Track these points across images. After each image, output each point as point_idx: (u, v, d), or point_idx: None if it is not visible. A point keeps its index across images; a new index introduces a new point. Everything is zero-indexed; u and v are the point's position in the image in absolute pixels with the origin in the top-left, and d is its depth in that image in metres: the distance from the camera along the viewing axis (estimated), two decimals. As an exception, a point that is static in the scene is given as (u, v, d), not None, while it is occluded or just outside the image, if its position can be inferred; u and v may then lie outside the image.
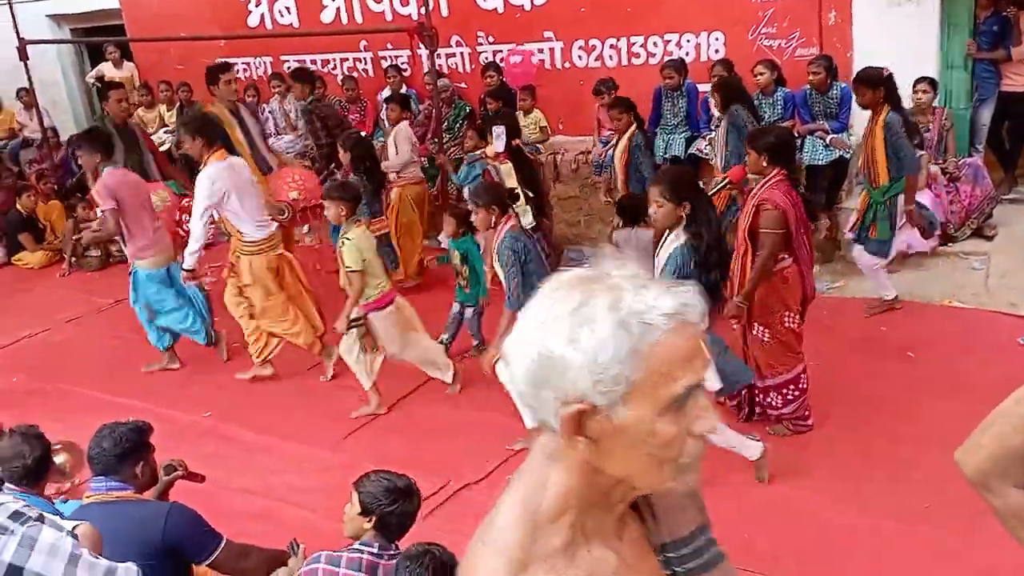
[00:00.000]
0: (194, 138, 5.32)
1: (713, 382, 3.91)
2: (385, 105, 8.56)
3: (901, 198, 5.45)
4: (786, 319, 4.42)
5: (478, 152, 6.97)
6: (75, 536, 2.07)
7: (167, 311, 5.80)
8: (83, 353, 6.53)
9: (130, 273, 5.84)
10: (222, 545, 2.84)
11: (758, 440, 4.14)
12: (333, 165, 7.16)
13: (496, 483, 4.45)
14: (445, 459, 4.68)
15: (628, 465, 1.12)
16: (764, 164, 4.33)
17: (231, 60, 9.35)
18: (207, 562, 2.82)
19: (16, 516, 1.99)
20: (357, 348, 5.12)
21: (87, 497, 2.85)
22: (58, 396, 5.83)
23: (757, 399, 4.61)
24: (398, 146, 7.04)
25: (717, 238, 3.99)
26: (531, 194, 5.98)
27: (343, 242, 4.97)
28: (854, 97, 5.68)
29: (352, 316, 4.99)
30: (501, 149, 5.55)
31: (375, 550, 2.62)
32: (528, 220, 5.46)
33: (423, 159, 7.67)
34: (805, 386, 4.53)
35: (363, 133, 6.98)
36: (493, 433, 4.84)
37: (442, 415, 5.16)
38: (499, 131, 5.59)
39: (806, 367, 4.55)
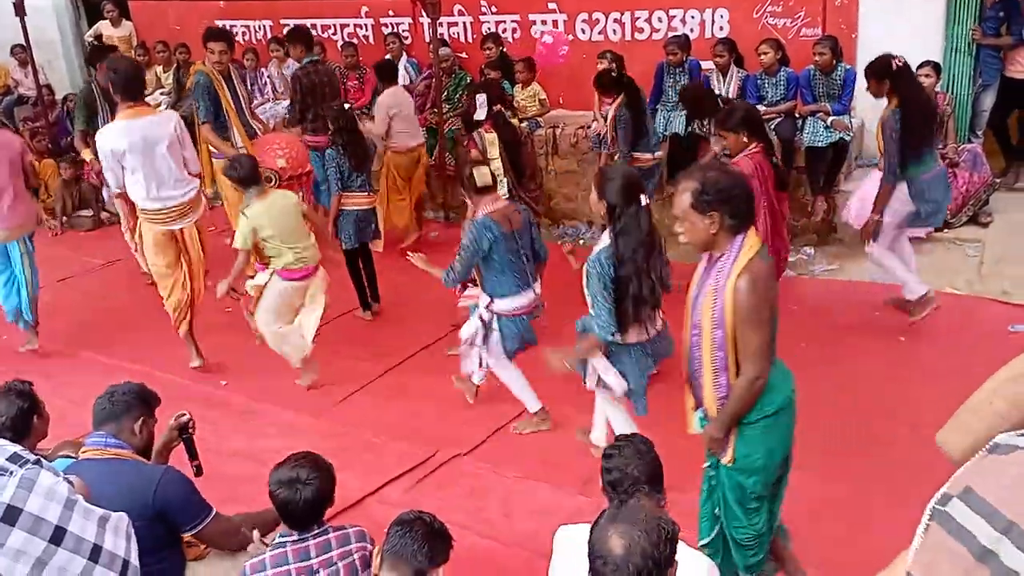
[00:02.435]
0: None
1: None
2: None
3: (902, 185, 5.14)
4: None
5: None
6: (70, 482, 2.07)
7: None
8: (73, 313, 6.51)
9: None
10: (211, 516, 2.83)
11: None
12: (305, 130, 7.02)
13: (485, 455, 4.47)
14: (435, 429, 4.70)
15: None
16: (744, 140, 4.46)
17: (232, 23, 9.27)
18: (193, 532, 2.81)
19: (15, 458, 1.99)
20: (275, 322, 5.07)
21: (83, 452, 2.84)
22: (47, 355, 5.82)
23: None
24: (376, 114, 7.02)
25: (634, 250, 3.60)
26: (510, 164, 5.96)
27: (241, 216, 4.88)
28: (859, 76, 5.62)
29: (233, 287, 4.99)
30: (483, 117, 5.46)
31: (296, 537, 2.60)
32: (503, 191, 5.37)
33: (423, 129, 7.61)
34: None
35: (347, 104, 6.79)
36: (483, 405, 4.86)
37: (433, 385, 5.17)
38: (481, 99, 5.53)
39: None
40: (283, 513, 2.61)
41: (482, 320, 4.35)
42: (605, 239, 3.67)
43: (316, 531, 2.61)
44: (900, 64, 5.01)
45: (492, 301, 4.33)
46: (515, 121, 6.99)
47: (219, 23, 9.62)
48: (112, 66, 5.10)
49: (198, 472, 3.19)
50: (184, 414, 3.25)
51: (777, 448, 2.99)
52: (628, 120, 6.24)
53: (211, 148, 6.52)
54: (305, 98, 6.98)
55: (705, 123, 6.89)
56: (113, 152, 4.99)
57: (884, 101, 5.13)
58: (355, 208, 5.88)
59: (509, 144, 5.44)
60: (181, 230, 5.25)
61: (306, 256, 4.99)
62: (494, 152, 5.37)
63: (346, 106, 6.29)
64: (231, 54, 6.40)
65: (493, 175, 4.40)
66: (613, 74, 6.48)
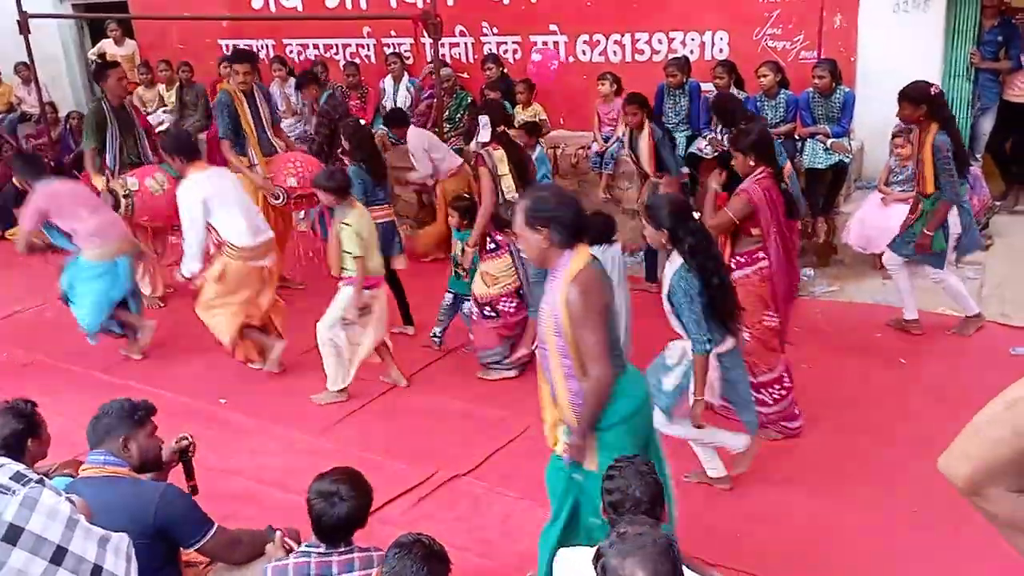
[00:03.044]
0: (173, 158, 5.34)
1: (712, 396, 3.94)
2: (388, 95, 8.61)
3: (954, 211, 5.31)
4: (765, 318, 4.46)
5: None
6: (72, 501, 2.06)
7: (84, 304, 5.72)
8: (75, 330, 6.49)
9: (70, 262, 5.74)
10: (213, 531, 2.83)
11: (743, 434, 4.15)
12: (340, 151, 7.13)
13: (484, 474, 4.45)
14: (434, 448, 4.68)
15: None
16: (751, 163, 4.44)
17: (235, 43, 9.34)
18: (196, 547, 2.81)
19: (18, 477, 1.99)
20: (343, 335, 5.17)
21: (83, 470, 2.84)
22: (48, 372, 5.82)
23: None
24: (416, 160, 7.23)
25: (710, 261, 3.75)
26: (519, 181, 5.91)
27: (341, 227, 4.97)
28: (858, 99, 5.66)
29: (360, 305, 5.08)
30: (487, 139, 5.44)
31: (323, 550, 2.62)
32: None
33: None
34: (790, 384, 4.56)
35: (362, 121, 6.96)
36: (483, 424, 4.85)
37: (433, 404, 5.16)
38: (483, 120, 5.49)
39: (788, 367, 4.56)
40: (315, 524, 2.63)
41: None
42: (676, 259, 3.75)
43: (343, 548, 2.64)
44: (937, 90, 5.13)
45: None
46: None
47: (222, 42, 9.72)
48: (163, 143, 5.54)
49: (193, 492, 3.20)
50: (185, 437, 3.25)
51: (635, 451, 3.08)
52: (664, 137, 6.28)
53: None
54: (332, 135, 7.24)
55: (705, 144, 6.94)
56: (205, 200, 5.24)
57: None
58: (377, 221, 5.88)
59: (517, 162, 5.47)
60: (265, 269, 5.53)
61: (379, 264, 5.21)
62: (504, 169, 5.38)
63: (362, 122, 6.38)
64: (255, 75, 6.60)
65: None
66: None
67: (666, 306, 3.84)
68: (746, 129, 4.87)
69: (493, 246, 5.36)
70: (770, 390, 4.53)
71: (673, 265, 3.77)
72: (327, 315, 5.16)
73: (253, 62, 6.59)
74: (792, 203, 4.58)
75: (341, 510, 2.58)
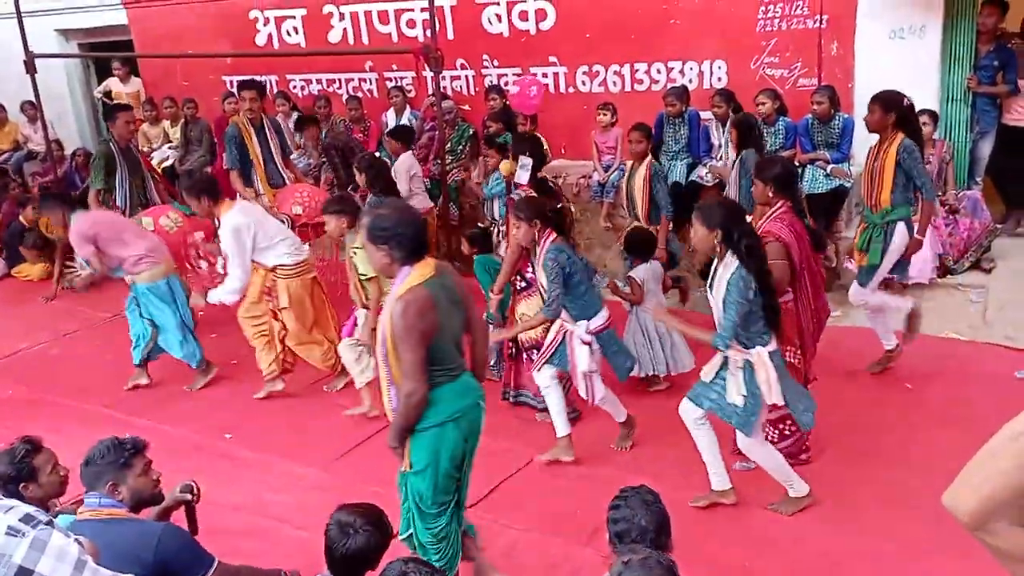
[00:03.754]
0: (199, 200, 5.36)
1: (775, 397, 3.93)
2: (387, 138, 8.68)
3: (900, 225, 5.14)
4: (787, 353, 4.39)
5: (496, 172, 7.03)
6: (80, 543, 2.06)
7: (169, 328, 5.82)
8: (80, 367, 6.52)
9: (131, 290, 5.87)
10: (214, 567, 2.82)
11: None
12: (351, 187, 7.22)
13: (490, 507, 4.43)
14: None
15: None
16: (770, 194, 4.36)
17: (239, 79, 9.46)
18: (199, 584, 2.80)
19: (28, 519, 1.99)
20: (361, 350, 5.22)
21: (80, 513, 2.84)
22: (54, 409, 5.82)
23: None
24: (399, 179, 7.08)
25: (757, 272, 3.81)
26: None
27: (353, 252, 5.00)
28: (856, 124, 5.67)
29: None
30: (525, 182, 5.28)
31: None
32: None
33: (426, 180, 7.71)
34: None
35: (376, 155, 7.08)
36: (488, 456, 4.81)
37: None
38: (526, 162, 5.32)
39: None
40: (327, 553, 2.62)
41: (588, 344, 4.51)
42: (731, 262, 3.79)
43: None
44: (909, 103, 5.13)
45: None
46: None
47: (226, 79, 9.83)
48: (187, 187, 5.56)
49: (193, 533, 3.19)
50: (189, 486, 3.26)
51: (445, 455, 3.32)
52: (660, 172, 6.03)
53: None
54: (344, 163, 7.51)
55: (706, 172, 6.97)
56: (254, 232, 5.31)
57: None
58: None
59: (553, 211, 5.33)
60: (315, 278, 5.68)
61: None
62: None
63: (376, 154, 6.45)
64: (261, 102, 6.70)
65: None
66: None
67: (716, 310, 3.91)
68: (773, 159, 4.87)
69: (524, 284, 5.24)
70: (780, 426, 4.49)
71: (729, 268, 3.79)
72: (350, 338, 5.25)
73: (260, 90, 6.72)
74: (816, 235, 4.59)
75: (355, 543, 2.57)
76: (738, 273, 3.76)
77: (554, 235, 4.49)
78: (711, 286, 3.97)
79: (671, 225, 5.99)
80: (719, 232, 3.78)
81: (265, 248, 5.39)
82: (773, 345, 3.92)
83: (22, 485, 3.02)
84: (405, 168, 7.18)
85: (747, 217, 3.88)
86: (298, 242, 5.65)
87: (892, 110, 5.04)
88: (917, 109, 6.31)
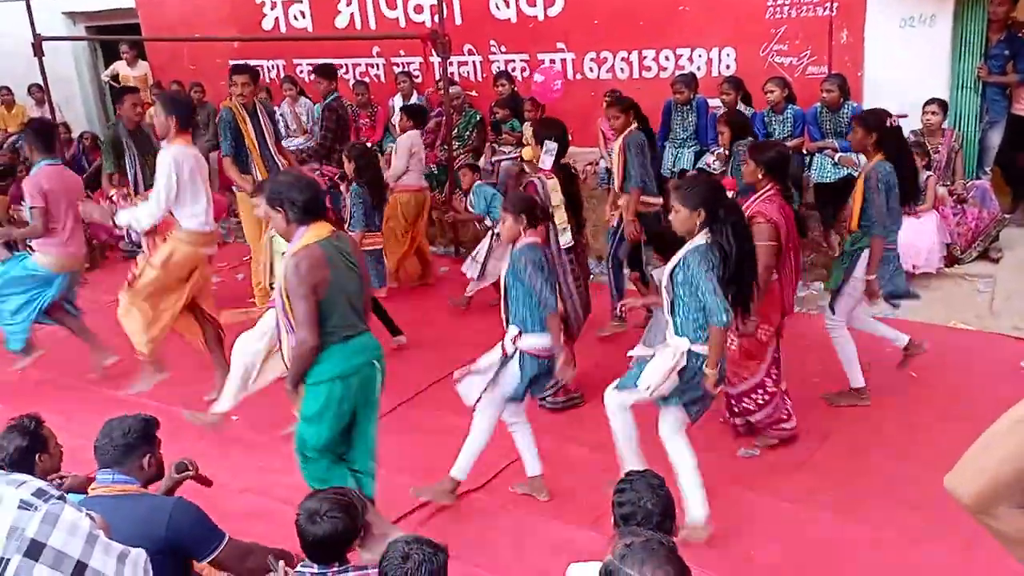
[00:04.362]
0: (167, 116, 5.16)
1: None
2: (398, 112, 8.62)
3: (864, 254, 4.75)
4: (759, 331, 4.44)
5: (510, 153, 7.03)
6: (92, 517, 2.08)
7: (8, 301, 5.80)
8: (84, 348, 6.54)
9: (17, 256, 5.94)
10: (225, 543, 2.84)
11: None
12: (338, 176, 7.18)
13: (495, 489, 4.45)
14: (444, 465, 4.66)
15: None
16: (760, 176, 4.43)
17: (245, 63, 9.43)
18: (209, 559, 2.82)
19: (40, 493, 2.00)
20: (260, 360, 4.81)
21: (92, 489, 2.86)
22: (62, 390, 5.85)
23: (736, 408, 4.65)
24: (397, 155, 7.10)
25: (739, 251, 3.65)
26: (572, 213, 5.40)
27: (274, 234, 4.87)
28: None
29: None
30: (548, 166, 5.13)
31: (316, 569, 2.62)
32: (567, 239, 5.13)
33: (431, 167, 7.70)
34: (773, 389, 4.55)
35: (369, 143, 6.99)
36: (492, 440, 4.84)
37: (442, 421, 5.16)
38: (551, 147, 5.14)
39: (770, 372, 4.53)
40: (301, 542, 2.63)
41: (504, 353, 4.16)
42: (698, 240, 3.65)
43: (337, 568, 2.62)
44: (894, 124, 4.81)
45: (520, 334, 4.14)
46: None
47: (232, 62, 9.80)
48: (163, 99, 5.47)
49: (208, 484, 3.39)
50: (184, 462, 3.29)
51: (332, 409, 3.65)
52: (636, 145, 5.74)
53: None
54: (338, 129, 7.30)
55: (713, 160, 6.96)
56: (176, 163, 5.13)
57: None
58: (371, 248, 5.89)
59: (571, 195, 5.26)
60: (206, 260, 5.50)
61: None
62: (556, 200, 5.05)
63: (368, 145, 6.41)
64: (254, 87, 6.59)
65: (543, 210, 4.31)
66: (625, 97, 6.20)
67: (664, 291, 3.74)
68: (767, 143, 4.86)
69: None
70: (753, 396, 4.54)
71: (692, 243, 3.66)
72: (254, 331, 4.80)
73: (252, 74, 6.58)
74: (801, 220, 4.57)
75: (322, 528, 2.57)
76: (699, 248, 3.62)
77: (534, 238, 4.17)
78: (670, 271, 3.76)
79: (639, 196, 5.83)
80: (702, 212, 3.63)
81: (183, 201, 5.21)
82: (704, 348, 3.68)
83: (37, 456, 3.06)
84: (407, 145, 7.09)
85: (729, 194, 3.77)
86: (211, 218, 5.46)
87: (873, 131, 4.73)
88: (927, 98, 6.34)
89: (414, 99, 8.70)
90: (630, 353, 4.03)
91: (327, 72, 7.75)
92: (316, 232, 3.54)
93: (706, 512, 3.79)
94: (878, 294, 4.84)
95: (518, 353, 4.11)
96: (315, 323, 3.48)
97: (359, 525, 2.67)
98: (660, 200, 5.79)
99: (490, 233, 6.47)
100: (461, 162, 7.95)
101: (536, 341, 4.09)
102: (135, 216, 5.34)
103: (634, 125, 5.81)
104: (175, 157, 5.15)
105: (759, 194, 4.43)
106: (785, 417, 4.61)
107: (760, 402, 4.55)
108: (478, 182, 6.98)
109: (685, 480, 3.80)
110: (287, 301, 3.50)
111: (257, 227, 6.38)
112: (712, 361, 3.66)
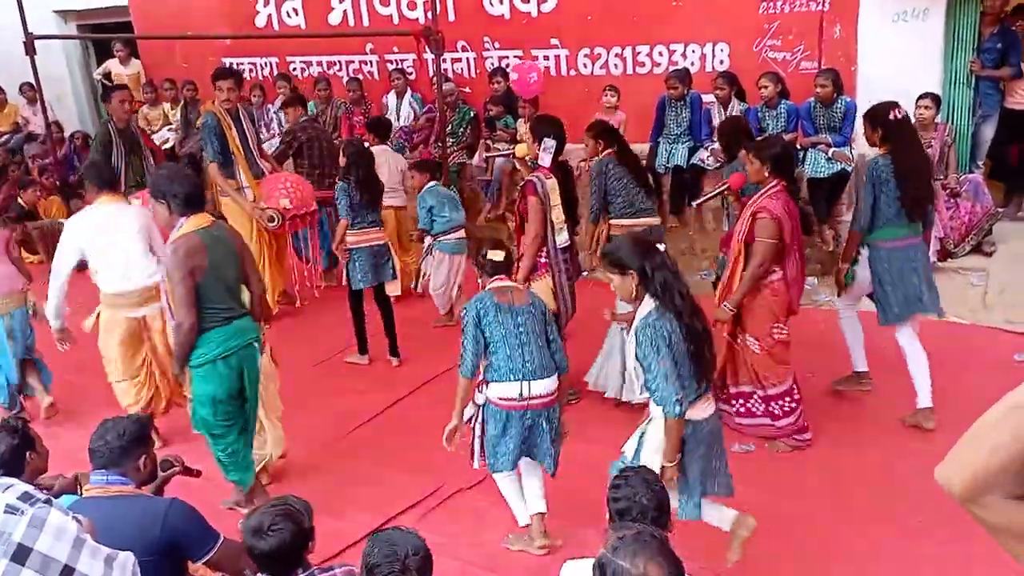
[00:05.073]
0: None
1: None
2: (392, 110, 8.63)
3: (864, 251, 4.76)
4: (775, 331, 4.45)
5: (504, 150, 6.94)
6: (79, 520, 2.07)
7: None
8: (79, 349, 6.51)
9: None
10: (220, 542, 2.83)
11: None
12: (334, 168, 7.12)
13: (489, 488, 4.44)
14: (441, 462, 4.66)
15: None
16: (766, 174, 4.39)
17: (239, 61, 9.41)
18: (204, 559, 2.81)
19: (26, 497, 1.99)
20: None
21: (86, 490, 2.85)
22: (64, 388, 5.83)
23: (759, 409, 4.63)
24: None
25: (681, 297, 3.20)
26: (567, 211, 5.27)
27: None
28: (859, 108, 5.58)
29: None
30: (547, 164, 5.03)
31: None
32: (564, 239, 5.08)
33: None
34: (799, 397, 4.55)
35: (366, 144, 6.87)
36: (490, 437, 4.84)
37: (436, 419, 5.13)
38: (549, 144, 4.97)
39: (796, 379, 4.57)
40: (255, 560, 2.56)
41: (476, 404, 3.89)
42: (646, 306, 3.24)
43: (304, 573, 2.59)
44: (899, 116, 4.60)
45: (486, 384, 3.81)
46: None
47: (226, 60, 9.79)
48: (83, 171, 5.28)
49: (197, 474, 3.46)
50: (169, 459, 3.31)
51: (220, 388, 3.95)
52: (602, 172, 5.25)
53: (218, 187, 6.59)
54: (301, 150, 7.23)
55: (707, 156, 6.95)
56: (84, 244, 4.76)
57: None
58: (367, 244, 5.85)
59: (566, 193, 5.21)
60: (144, 318, 4.90)
61: None
62: (556, 199, 4.97)
63: (365, 144, 6.35)
64: (239, 91, 6.50)
65: (509, 254, 3.96)
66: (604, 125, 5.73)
67: (630, 365, 3.41)
68: (771, 140, 4.80)
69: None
70: (780, 403, 4.53)
71: (640, 313, 3.25)
72: None
73: (237, 78, 6.47)
74: (806, 217, 4.53)
75: (270, 543, 2.50)
76: (645, 320, 3.18)
77: (492, 286, 3.83)
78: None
79: (595, 230, 5.41)
80: (635, 274, 3.23)
81: (99, 268, 4.87)
82: (706, 410, 3.31)
83: (27, 453, 3.06)
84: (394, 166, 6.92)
85: (660, 247, 3.37)
86: (136, 271, 4.85)
87: (878, 126, 4.61)
88: (920, 92, 6.33)
89: (408, 96, 8.69)
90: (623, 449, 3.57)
91: (296, 100, 7.79)
92: (195, 222, 3.87)
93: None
94: (842, 284, 4.85)
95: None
96: (191, 304, 3.80)
97: (308, 527, 2.59)
98: (642, 220, 5.38)
99: (426, 246, 6.44)
100: (455, 159, 7.96)
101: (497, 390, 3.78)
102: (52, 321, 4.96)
103: (606, 152, 5.31)
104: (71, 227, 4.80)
105: (764, 190, 4.41)
106: (806, 427, 4.61)
107: (787, 409, 4.54)
108: (430, 184, 6.50)
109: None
110: (167, 284, 3.86)
111: (247, 231, 6.19)
112: (667, 454, 3.24)
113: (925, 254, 4.85)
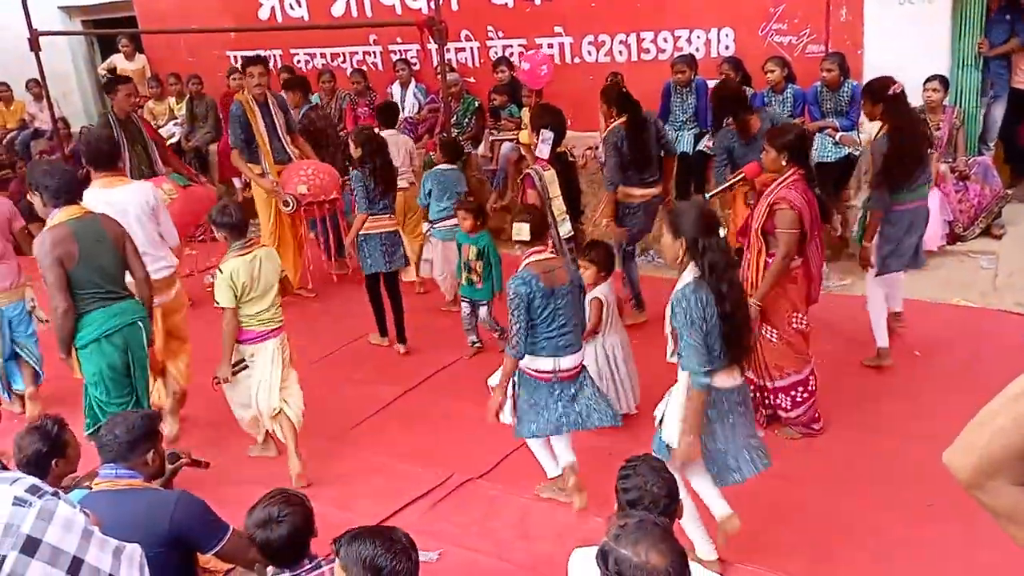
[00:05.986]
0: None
1: None
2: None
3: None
4: (794, 320, 4.41)
5: (507, 136, 6.94)
6: (86, 513, 2.08)
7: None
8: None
9: None
10: (229, 534, 2.85)
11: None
12: (346, 161, 7.14)
13: (500, 477, 4.46)
14: (450, 452, 4.70)
15: None
16: (783, 163, 4.33)
17: (243, 54, 9.39)
18: (214, 551, 2.83)
19: (34, 489, 2.01)
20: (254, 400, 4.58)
21: (96, 484, 2.87)
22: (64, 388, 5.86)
23: (767, 401, 4.59)
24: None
25: (727, 285, 3.28)
26: (568, 204, 5.35)
27: (216, 273, 4.46)
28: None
29: (234, 360, 4.46)
30: (545, 156, 5.02)
31: (288, 574, 2.61)
32: (567, 229, 5.09)
33: (430, 154, 7.65)
34: (814, 388, 4.52)
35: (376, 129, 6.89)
36: (497, 427, 4.84)
37: (447, 408, 5.17)
38: (547, 136, 5.02)
39: (814, 369, 4.54)
40: (266, 554, 2.60)
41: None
42: (687, 276, 3.32)
43: (308, 566, 2.61)
44: (897, 91, 4.76)
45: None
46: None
47: (230, 54, 9.79)
48: (84, 138, 5.19)
49: (205, 466, 3.51)
50: (175, 454, 3.33)
51: (107, 365, 4.15)
52: (618, 140, 5.47)
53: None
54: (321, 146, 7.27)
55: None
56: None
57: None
58: (380, 231, 5.87)
59: (568, 183, 5.08)
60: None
61: (266, 318, 4.60)
62: (555, 191, 4.95)
63: (376, 130, 6.35)
64: (268, 77, 6.67)
65: (535, 221, 3.98)
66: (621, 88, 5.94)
67: (667, 328, 3.43)
68: (786, 127, 4.77)
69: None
70: (794, 393, 4.49)
71: (682, 282, 3.33)
72: (234, 404, 4.71)
73: (265, 64, 6.71)
74: (824, 205, 4.51)
75: (282, 531, 2.55)
76: (684, 291, 3.26)
77: (531, 259, 3.91)
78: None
79: (612, 198, 5.63)
80: (684, 242, 3.30)
81: None
82: (728, 379, 3.38)
83: (54, 461, 3.05)
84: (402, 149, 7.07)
85: (720, 230, 3.36)
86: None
87: (878, 100, 4.80)
88: (928, 75, 6.27)
89: (412, 86, 8.67)
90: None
91: (296, 83, 7.73)
92: (67, 213, 4.07)
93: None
94: (866, 261, 5.08)
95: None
96: (63, 289, 4.00)
97: (311, 514, 2.65)
98: (648, 191, 5.67)
99: (425, 231, 6.56)
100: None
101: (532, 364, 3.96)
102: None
103: (618, 119, 5.48)
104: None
105: (782, 179, 4.33)
106: (818, 417, 4.58)
107: (798, 400, 4.50)
108: (437, 167, 6.58)
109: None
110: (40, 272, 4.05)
111: (266, 213, 6.66)
112: (687, 427, 3.29)
113: (926, 216, 5.11)
